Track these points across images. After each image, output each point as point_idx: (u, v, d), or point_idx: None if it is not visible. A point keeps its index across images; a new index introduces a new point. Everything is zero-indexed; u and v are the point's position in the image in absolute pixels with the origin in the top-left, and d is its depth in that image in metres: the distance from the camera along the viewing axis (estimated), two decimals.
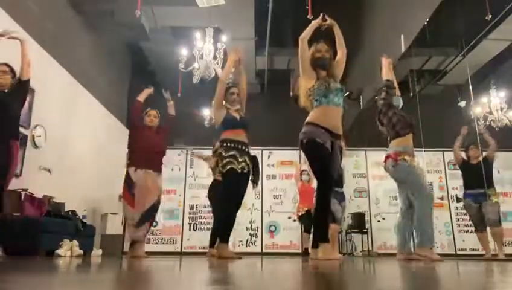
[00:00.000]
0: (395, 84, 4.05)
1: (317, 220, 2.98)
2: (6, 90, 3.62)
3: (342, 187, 5.27)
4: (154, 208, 4.43)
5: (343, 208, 5.30)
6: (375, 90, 4.60)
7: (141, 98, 4.61)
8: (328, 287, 1.13)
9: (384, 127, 3.93)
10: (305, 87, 3.08)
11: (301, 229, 6.94)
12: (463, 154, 5.56)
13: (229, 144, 3.72)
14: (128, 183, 4.35)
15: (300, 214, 6.34)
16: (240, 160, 3.70)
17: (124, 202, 4.41)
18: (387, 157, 3.86)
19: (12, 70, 3.72)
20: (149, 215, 4.38)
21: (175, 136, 7.61)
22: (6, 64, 3.70)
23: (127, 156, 4.67)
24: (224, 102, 3.90)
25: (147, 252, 4.62)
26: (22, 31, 4.82)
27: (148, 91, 4.70)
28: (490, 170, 5.29)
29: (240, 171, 3.67)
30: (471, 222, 5.73)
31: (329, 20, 3.19)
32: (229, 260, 3.28)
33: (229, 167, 3.65)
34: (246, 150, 3.80)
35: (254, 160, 3.88)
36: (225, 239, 3.68)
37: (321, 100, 2.98)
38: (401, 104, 3.91)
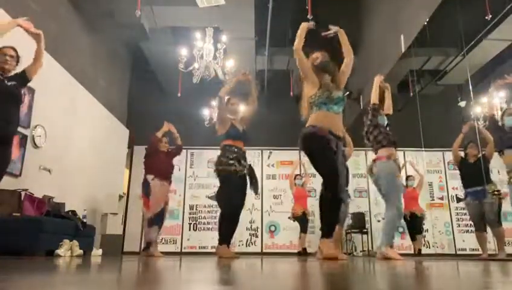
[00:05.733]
0: (386, 103, 4.23)
1: (323, 215, 2.99)
2: (9, 80, 3.25)
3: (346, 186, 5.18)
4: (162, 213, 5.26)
5: (347, 206, 5.17)
6: (362, 110, 4.80)
7: (159, 134, 5.39)
8: (328, 287, 1.13)
9: (370, 142, 4.13)
10: (307, 96, 3.08)
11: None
12: (462, 154, 5.57)
13: (229, 148, 4.03)
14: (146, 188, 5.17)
15: (296, 215, 6.75)
16: (242, 162, 4.01)
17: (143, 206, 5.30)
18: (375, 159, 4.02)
19: (17, 56, 3.39)
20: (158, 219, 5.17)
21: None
22: (14, 49, 3.38)
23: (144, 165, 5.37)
24: (227, 114, 4.19)
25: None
26: (21, 31, 4.82)
27: (167, 127, 5.48)
28: (487, 168, 5.26)
29: (237, 174, 3.96)
30: (471, 222, 5.70)
31: (334, 29, 3.19)
32: (227, 260, 3.29)
33: (231, 168, 3.94)
34: (244, 157, 4.13)
35: (250, 169, 4.13)
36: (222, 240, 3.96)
37: (321, 106, 3.01)
38: (386, 122, 4.10)
